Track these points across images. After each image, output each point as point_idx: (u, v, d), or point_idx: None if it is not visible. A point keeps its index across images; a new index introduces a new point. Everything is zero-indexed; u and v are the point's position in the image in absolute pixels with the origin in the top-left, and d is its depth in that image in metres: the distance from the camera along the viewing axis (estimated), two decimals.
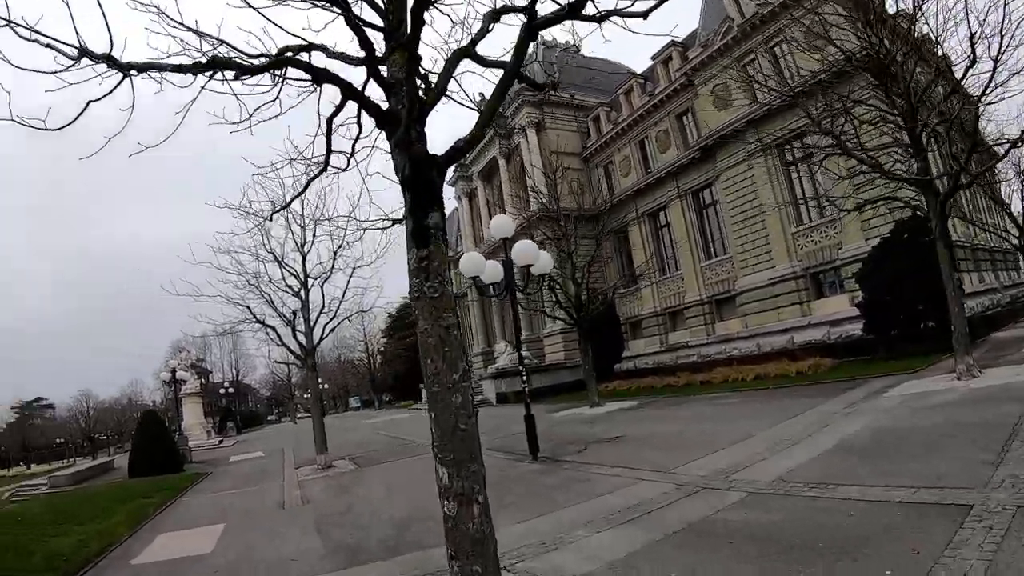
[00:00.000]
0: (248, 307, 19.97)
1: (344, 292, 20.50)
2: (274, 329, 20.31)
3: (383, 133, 4.95)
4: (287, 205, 8.09)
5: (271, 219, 15.55)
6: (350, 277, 20.19)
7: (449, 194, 52.58)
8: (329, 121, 5.34)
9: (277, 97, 5.07)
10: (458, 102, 5.93)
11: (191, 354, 53.45)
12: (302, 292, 19.70)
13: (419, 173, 4.69)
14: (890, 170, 17.51)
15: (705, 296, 35.01)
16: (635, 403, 24.21)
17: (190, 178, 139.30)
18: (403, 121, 4.51)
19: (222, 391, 66.63)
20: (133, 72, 4.33)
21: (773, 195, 29.84)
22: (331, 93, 4.92)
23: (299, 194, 6.96)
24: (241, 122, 5.11)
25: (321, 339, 20.53)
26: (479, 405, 23.58)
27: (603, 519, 7.95)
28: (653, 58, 37.72)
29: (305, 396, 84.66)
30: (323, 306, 20.14)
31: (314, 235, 19.82)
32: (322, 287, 20.03)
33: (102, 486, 20.84)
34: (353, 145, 5.83)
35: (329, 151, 5.54)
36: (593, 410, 23.47)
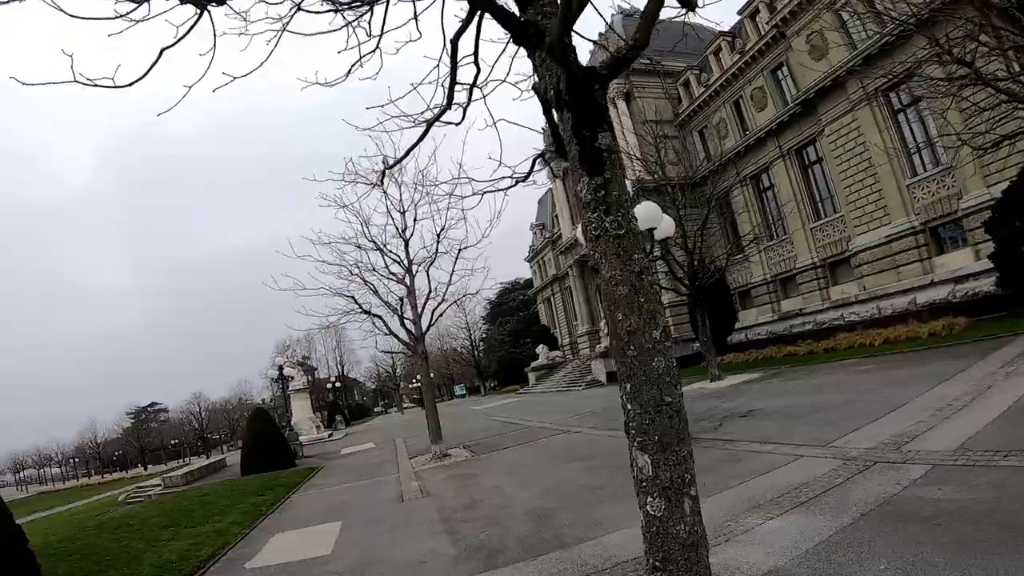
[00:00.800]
0: (353, 297, 19.93)
1: (451, 274, 20.06)
2: (380, 318, 20.05)
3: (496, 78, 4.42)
4: (400, 160, 7.62)
5: (383, 181, 15.80)
6: (456, 258, 19.73)
7: (542, 177, 52.06)
8: (454, 42, 4.66)
9: (379, 42, 4.65)
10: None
11: (296, 351, 55.80)
12: (407, 278, 19.44)
13: (579, 87, 3.98)
14: None
15: (817, 259, 33.01)
16: (758, 375, 23.15)
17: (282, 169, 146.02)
18: (555, 27, 3.76)
19: (328, 386, 69.25)
20: (212, 4, 3.87)
21: (883, 145, 27.64)
22: (455, 7, 4.39)
23: (417, 142, 5.96)
24: (336, 81, 4.72)
25: (431, 325, 20.32)
26: (590, 385, 23.52)
27: (771, 503, 7.11)
28: (739, 12, 35.69)
29: (410, 386, 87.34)
30: (430, 291, 19.92)
31: (415, 219, 19.55)
32: (427, 271, 19.82)
33: (215, 485, 20.83)
34: (470, 91, 5.24)
35: (454, 81, 4.88)
36: (715, 384, 22.61)
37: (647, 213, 12.42)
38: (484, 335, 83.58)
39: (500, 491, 11.22)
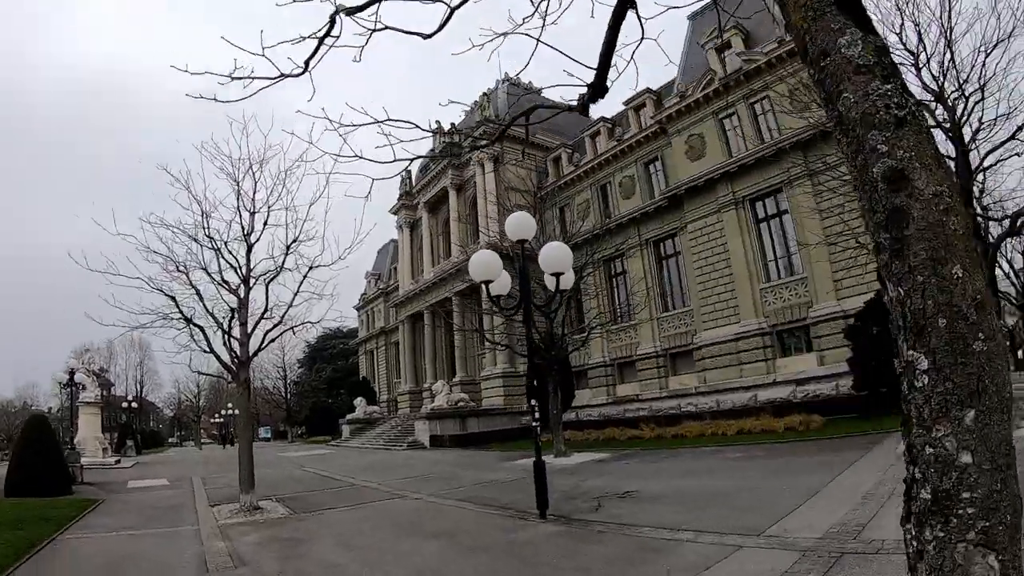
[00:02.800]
0: (174, 298, 16.18)
1: (295, 294, 17.11)
2: (202, 331, 16.45)
3: None
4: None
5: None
6: (304, 276, 16.92)
7: (390, 222, 50.30)
8: None
9: None
10: None
11: (95, 359, 48.26)
12: (241, 289, 16.42)
13: None
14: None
15: (660, 348, 33.89)
16: (607, 455, 22.06)
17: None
18: None
19: (124, 405, 60.70)
20: None
21: (744, 249, 29.36)
22: None
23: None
24: None
25: (260, 349, 17.14)
26: (412, 447, 20.52)
27: None
28: (626, 103, 37.26)
29: (212, 420, 79.32)
30: (266, 309, 16.81)
31: (265, 223, 16.74)
32: (268, 286, 16.78)
33: None
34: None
35: None
36: (561, 460, 20.80)
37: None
38: (298, 378, 77.96)
39: (342, 573, 8.15)
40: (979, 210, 15.98)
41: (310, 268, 16.78)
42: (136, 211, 16.76)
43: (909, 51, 15.48)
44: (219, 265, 16.45)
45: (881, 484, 9.82)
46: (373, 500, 14.78)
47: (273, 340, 17.53)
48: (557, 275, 10.91)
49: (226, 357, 16.39)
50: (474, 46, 4.86)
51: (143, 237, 15.86)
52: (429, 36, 4.86)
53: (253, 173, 16.53)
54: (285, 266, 16.80)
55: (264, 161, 16.45)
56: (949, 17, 14.40)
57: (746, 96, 30.03)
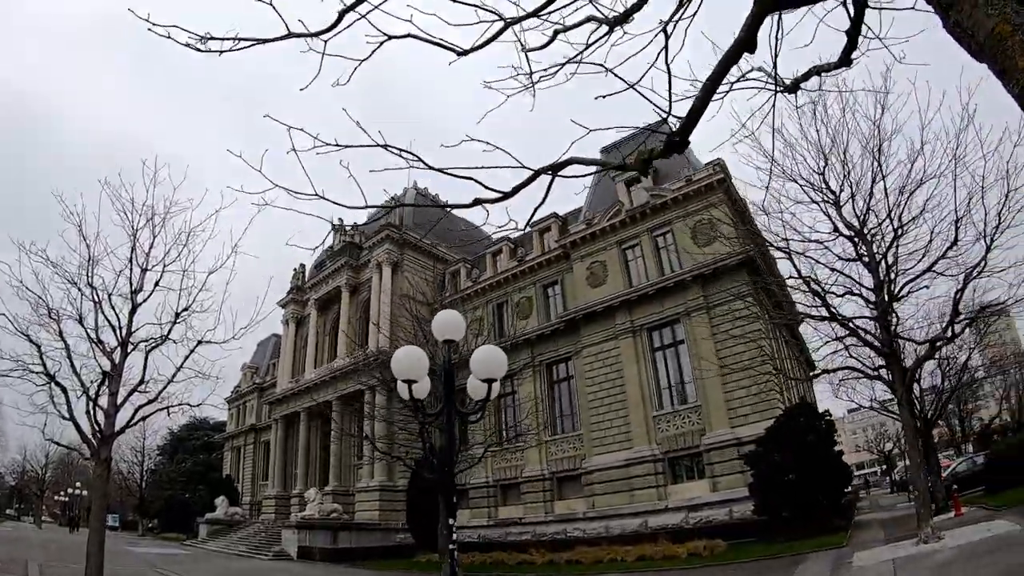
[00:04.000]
0: (40, 347, 14.52)
1: (179, 368, 15.38)
2: (65, 393, 14.51)
3: None
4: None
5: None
6: (192, 351, 15.42)
7: (277, 316, 48.07)
8: None
9: None
10: None
11: None
12: (117, 353, 14.70)
13: None
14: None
15: (547, 472, 33.31)
16: None
17: None
18: None
19: None
20: None
21: (639, 376, 30.07)
22: None
23: None
24: None
25: (128, 425, 15.34)
26: (278, 556, 17.87)
27: None
28: (531, 225, 37.94)
29: (56, 497, 70.42)
30: (142, 380, 15.07)
31: (157, 284, 15.33)
32: (148, 354, 15.19)
33: None
34: None
35: None
36: None
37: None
38: (156, 466, 69.85)
39: None
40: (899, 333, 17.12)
41: (199, 343, 15.43)
42: (17, 234, 15.14)
43: (831, 190, 16.89)
44: (96, 320, 14.87)
45: None
46: None
47: (144, 418, 15.86)
48: (489, 381, 9.50)
49: (87, 428, 14.44)
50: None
51: (18, 270, 14.34)
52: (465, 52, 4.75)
53: (154, 226, 15.33)
54: (171, 336, 15.40)
55: (168, 215, 15.36)
56: (877, 162, 15.99)
57: (650, 229, 31.83)
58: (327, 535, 31.78)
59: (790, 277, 18.18)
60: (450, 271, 42.82)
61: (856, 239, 16.63)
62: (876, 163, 16.05)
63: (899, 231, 16.05)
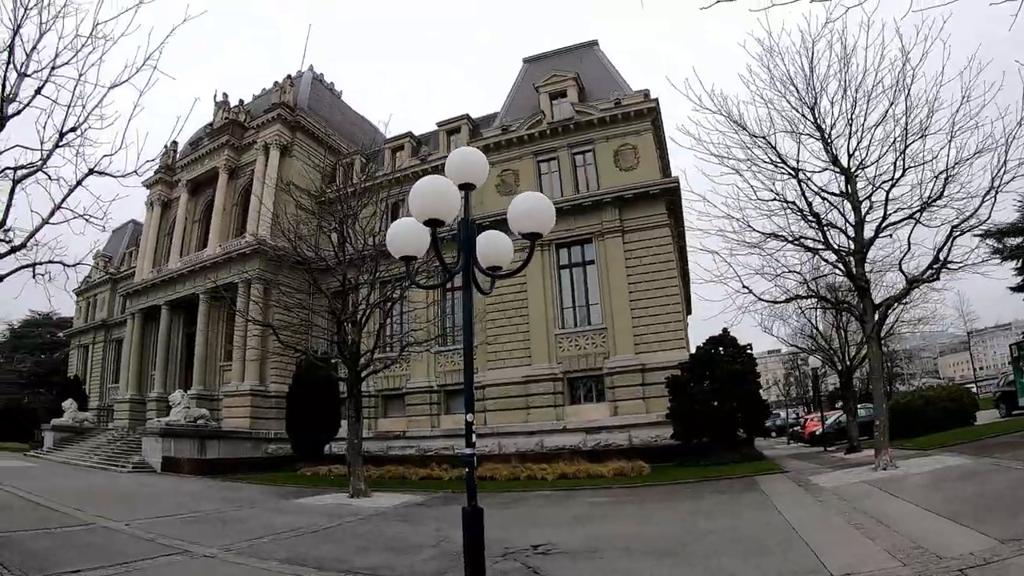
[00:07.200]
0: None
1: (58, 206, 11.23)
2: None
3: None
4: None
5: None
6: (79, 182, 11.33)
7: (138, 197, 42.63)
8: None
9: None
10: None
11: None
12: None
13: None
14: None
15: (436, 384, 31.84)
16: (421, 497, 18.28)
17: None
18: None
19: None
20: None
21: (543, 293, 28.90)
22: None
23: None
24: None
25: None
26: (138, 468, 13.96)
27: None
28: (440, 124, 35.72)
29: None
30: (3, 222, 10.88)
31: (39, 90, 11.01)
32: (15, 184, 10.93)
33: None
34: None
35: None
36: (366, 502, 16.83)
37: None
38: None
39: None
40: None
41: (90, 172, 11.35)
42: None
43: (818, 126, 15.85)
44: None
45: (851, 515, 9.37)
46: (139, 557, 9.11)
47: (2, 279, 11.22)
48: (533, 237, 7.13)
49: None
50: None
51: None
52: None
53: (44, 5, 10.69)
54: (50, 162, 11.14)
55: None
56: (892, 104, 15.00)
57: (571, 145, 30.34)
58: (195, 444, 28.51)
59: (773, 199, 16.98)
60: (343, 163, 39.23)
61: (842, 175, 15.81)
62: (889, 108, 15.01)
63: (896, 178, 15.19)
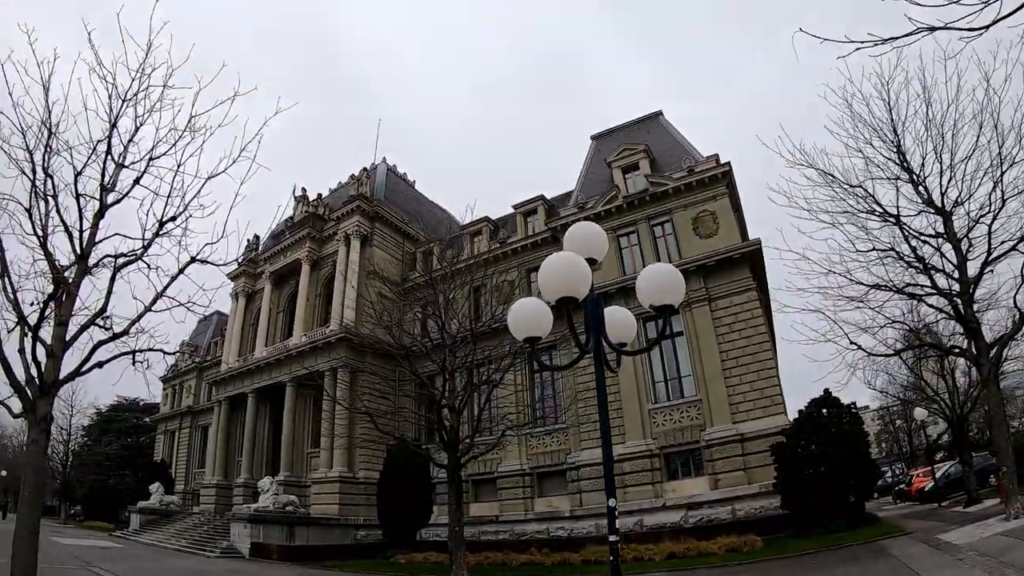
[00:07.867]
0: None
1: (160, 293, 11.37)
2: None
3: None
4: None
5: None
6: (181, 270, 11.49)
7: (227, 289, 44.24)
8: None
9: None
10: None
11: None
12: (72, 271, 10.79)
13: None
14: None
15: (528, 467, 31.38)
16: None
17: None
18: None
19: None
20: None
21: (633, 368, 28.48)
22: None
23: None
24: None
25: (80, 372, 10.90)
26: (226, 554, 14.30)
27: None
28: (515, 207, 36.51)
29: None
30: (104, 312, 10.97)
31: (138, 180, 11.37)
32: (116, 272, 11.19)
33: None
34: None
35: None
36: None
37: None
38: (79, 447, 62.66)
39: None
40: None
41: (193, 260, 11.42)
42: None
43: (907, 168, 15.83)
44: (45, 222, 10.72)
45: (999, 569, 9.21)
46: None
47: (102, 365, 11.08)
48: (663, 310, 6.70)
49: (21, 373, 10.25)
50: None
51: None
52: None
53: (139, 99, 11.24)
54: (149, 252, 11.39)
55: (167, 86, 11.25)
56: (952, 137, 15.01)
57: (648, 217, 30.49)
58: (283, 531, 28.61)
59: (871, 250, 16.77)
60: (422, 251, 40.30)
61: (937, 215, 15.67)
62: (977, 139, 14.93)
63: (996, 210, 14.96)
